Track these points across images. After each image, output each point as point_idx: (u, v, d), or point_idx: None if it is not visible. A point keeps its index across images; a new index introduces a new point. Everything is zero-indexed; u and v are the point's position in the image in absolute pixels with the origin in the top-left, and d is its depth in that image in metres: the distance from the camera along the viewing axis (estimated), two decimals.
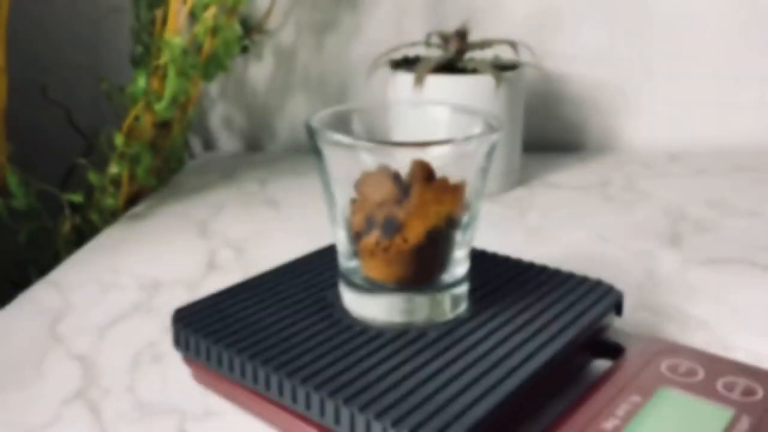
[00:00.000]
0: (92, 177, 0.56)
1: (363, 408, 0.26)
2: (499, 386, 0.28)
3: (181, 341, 0.32)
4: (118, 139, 0.55)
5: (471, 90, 0.61)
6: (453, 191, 0.31)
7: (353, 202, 0.32)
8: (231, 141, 0.84)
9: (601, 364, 0.35)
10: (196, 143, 0.84)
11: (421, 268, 0.32)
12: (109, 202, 0.56)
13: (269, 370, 0.29)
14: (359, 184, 0.31)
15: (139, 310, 0.43)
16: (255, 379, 0.29)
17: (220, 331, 0.31)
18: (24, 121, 0.76)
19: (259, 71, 0.81)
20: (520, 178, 0.69)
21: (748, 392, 0.30)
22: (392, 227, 0.31)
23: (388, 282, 0.32)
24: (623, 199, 0.62)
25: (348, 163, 0.31)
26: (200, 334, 0.31)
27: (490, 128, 0.32)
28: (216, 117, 0.83)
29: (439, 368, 0.29)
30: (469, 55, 0.70)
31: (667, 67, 0.78)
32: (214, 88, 0.82)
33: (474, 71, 0.61)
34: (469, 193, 0.32)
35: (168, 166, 0.68)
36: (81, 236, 0.58)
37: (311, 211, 0.60)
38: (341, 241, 0.33)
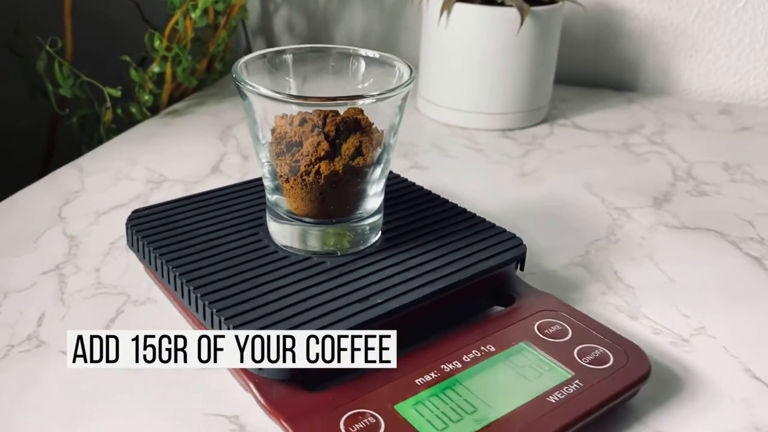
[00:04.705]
0: (133, 74, 0.62)
1: (220, 310, 0.31)
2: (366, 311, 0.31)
3: (131, 241, 0.38)
4: (157, 43, 0.60)
5: (496, 22, 0.61)
6: (367, 132, 0.34)
7: (275, 141, 0.35)
8: (292, 44, 0.87)
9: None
10: (260, 45, 0.89)
11: (336, 203, 0.35)
12: (146, 98, 0.62)
13: (183, 282, 0.33)
14: (281, 127, 0.35)
15: (136, 201, 0.49)
16: (175, 287, 0.34)
17: (161, 241, 0.36)
18: (92, 14, 0.83)
19: None
20: (548, 114, 0.68)
21: (599, 361, 0.32)
22: (309, 166, 0.34)
23: (306, 215, 0.36)
24: (639, 150, 0.61)
25: (271, 107, 0.34)
26: (145, 240, 0.36)
27: (402, 82, 0.34)
28: (279, 20, 0.87)
29: (327, 289, 0.33)
30: None
31: (736, 12, 0.73)
32: None
33: (502, 4, 0.61)
34: (384, 132, 0.34)
35: (211, 68, 0.72)
36: (121, 126, 0.65)
37: None
38: (266, 176, 0.36)
